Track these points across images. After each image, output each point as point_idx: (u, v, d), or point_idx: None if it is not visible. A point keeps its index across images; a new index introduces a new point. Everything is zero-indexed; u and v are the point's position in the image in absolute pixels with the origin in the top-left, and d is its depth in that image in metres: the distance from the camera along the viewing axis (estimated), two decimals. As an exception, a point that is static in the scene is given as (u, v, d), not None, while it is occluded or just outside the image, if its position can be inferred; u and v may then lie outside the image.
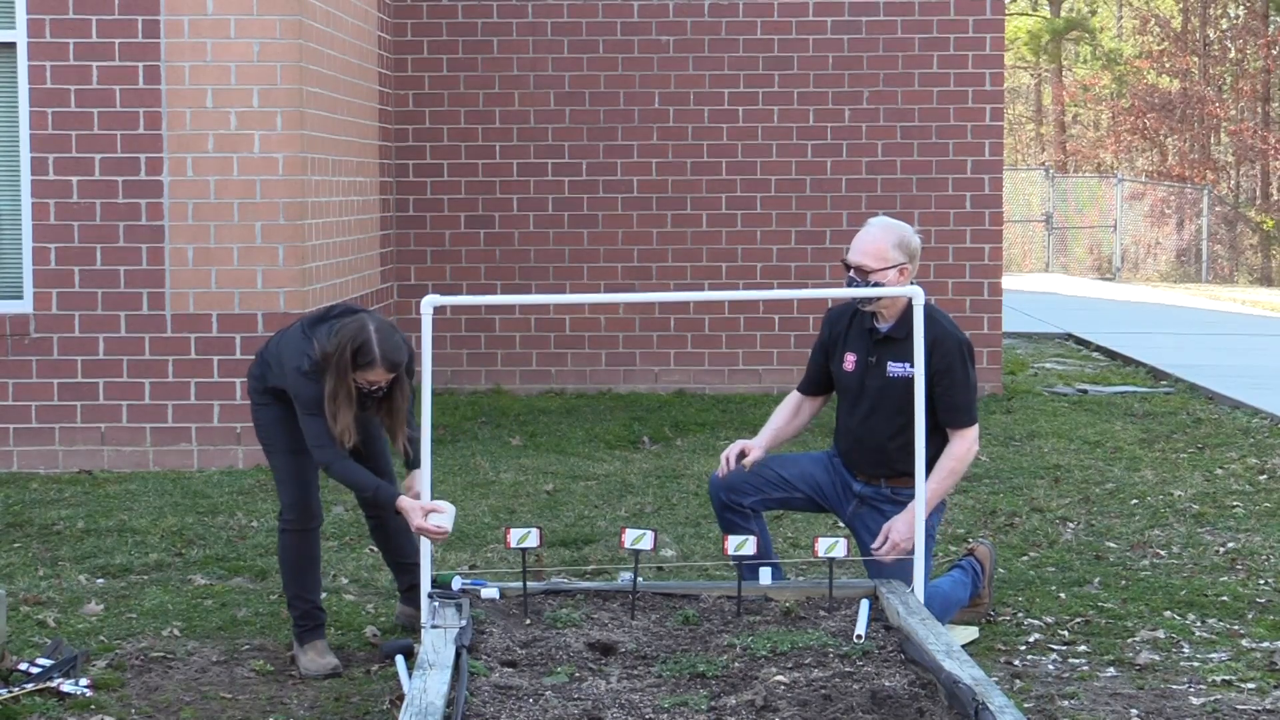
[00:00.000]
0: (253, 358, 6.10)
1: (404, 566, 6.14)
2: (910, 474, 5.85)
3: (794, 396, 6.39)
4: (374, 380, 5.57)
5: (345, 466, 5.67)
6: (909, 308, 5.94)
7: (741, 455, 6.17)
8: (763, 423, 6.40)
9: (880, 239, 6.07)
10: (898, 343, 6.04)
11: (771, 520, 7.86)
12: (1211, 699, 5.45)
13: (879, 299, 6.05)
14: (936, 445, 5.98)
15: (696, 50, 12.64)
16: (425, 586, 5.50)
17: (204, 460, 9.52)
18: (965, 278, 12.64)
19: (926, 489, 5.81)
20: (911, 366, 5.88)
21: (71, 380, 9.50)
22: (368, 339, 5.52)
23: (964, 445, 6.00)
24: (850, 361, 6.15)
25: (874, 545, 5.92)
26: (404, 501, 5.63)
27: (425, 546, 5.57)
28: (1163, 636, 6.16)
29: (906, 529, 5.84)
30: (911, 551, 5.77)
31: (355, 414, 5.63)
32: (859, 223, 13.40)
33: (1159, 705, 5.40)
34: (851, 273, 6.06)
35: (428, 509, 5.54)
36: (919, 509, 5.76)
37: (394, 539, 6.16)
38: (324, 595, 6.68)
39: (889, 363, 6.05)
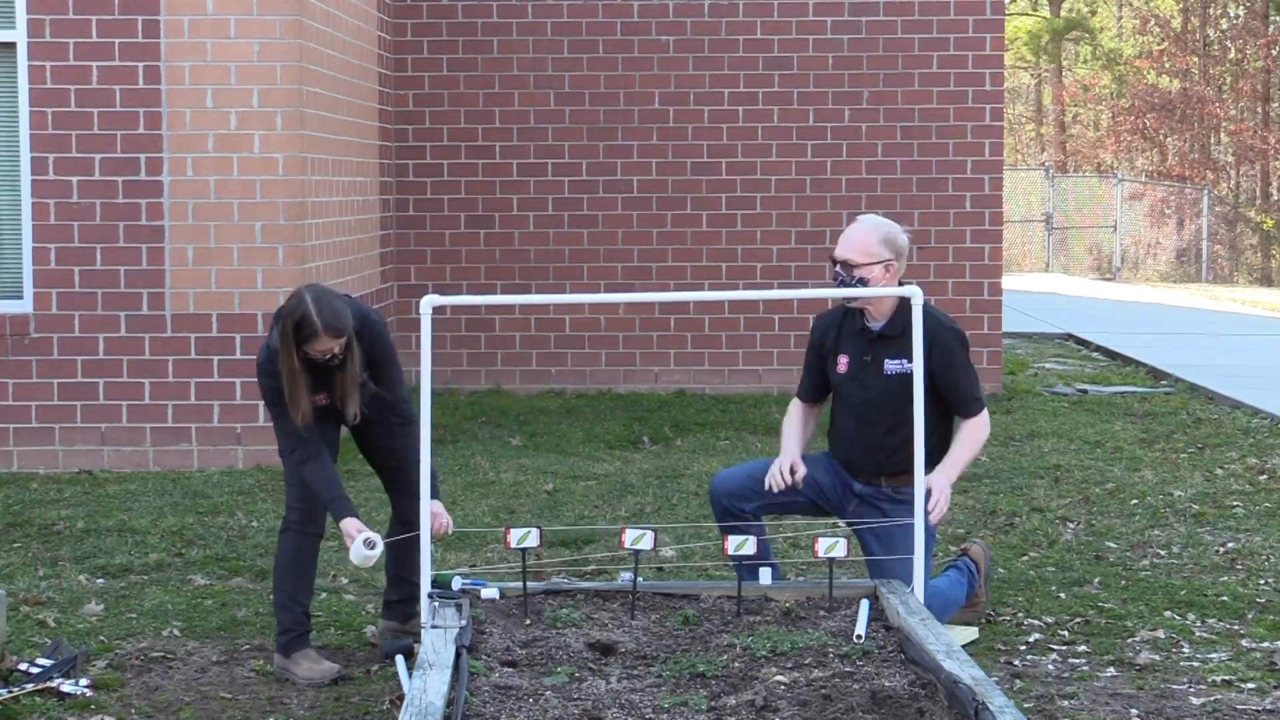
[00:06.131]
0: (256, 357, 6.09)
1: (403, 580, 6.07)
2: (908, 471, 5.86)
3: (798, 405, 6.36)
4: (323, 350, 5.57)
5: (317, 469, 5.66)
6: (900, 304, 5.98)
7: (792, 472, 6.12)
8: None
9: (867, 234, 6.09)
10: (892, 340, 6.06)
11: (771, 520, 7.85)
12: (1211, 699, 5.45)
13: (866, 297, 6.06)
14: (934, 442, 6.01)
15: (696, 50, 12.64)
16: (425, 586, 5.49)
17: (204, 460, 9.52)
18: (965, 278, 12.64)
19: (955, 455, 6.01)
20: (909, 363, 5.92)
21: (71, 380, 9.50)
22: (306, 311, 5.55)
23: (978, 422, 6.14)
24: (844, 363, 6.16)
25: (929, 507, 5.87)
26: (346, 523, 5.62)
27: (425, 546, 5.56)
28: (1163, 636, 6.16)
29: (945, 482, 5.89)
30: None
31: (328, 396, 5.69)
32: (859, 223, 13.40)
33: (1159, 705, 5.40)
34: (837, 267, 6.08)
35: (362, 533, 5.57)
36: (949, 472, 5.93)
37: (412, 552, 5.96)
38: (324, 595, 6.69)
39: (886, 360, 6.06)
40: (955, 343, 6.07)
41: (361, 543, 5.54)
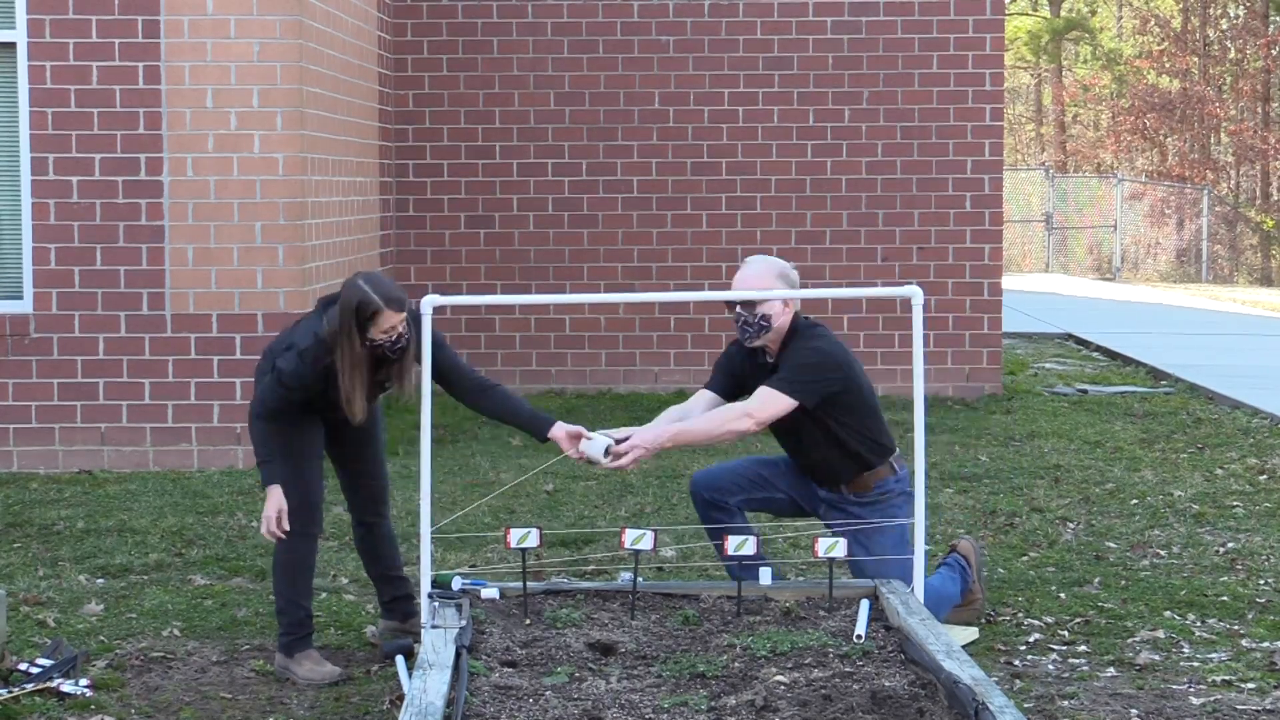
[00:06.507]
0: (256, 357, 6.09)
1: (389, 578, 6.09)
2: (858, 475, 6.11)
3: (708, 395, 6.28)
4: (391, 327, 5.52)
5: (270, 429, 5.66)
6: (790, 337, 6.13)
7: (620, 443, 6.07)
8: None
9: (763, 272, 6.16)
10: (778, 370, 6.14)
11: (771, 519, 7.85)
12: (1211, 699, 5.45)
13: (769, 335, 6.08)
14: (848, 463, 6.13)
15: (696, 50, 12.64)
16: (425, 587, 5.50)
17: (204, 460, 9.52)
18: (965, 278, 12.63)
19: (686, 426, 6.00)
20: None
21: (71, 380, 9.50)
22: (365, 294, 5.50)
23: (742, 410, 6.01)
24: None
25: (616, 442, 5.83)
26: (273, 492, 5.64)
27: (425, 547, 5.56)
28: (1163, 636, 6.16)
29: (648, 437, 5.86)
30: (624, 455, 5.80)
31: (368, 388, 5.66)
32: (859, 223, 13.50)
33: (1159, 705, 5.40)
34: (739, 308, 6.10)
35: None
36: (662, 433, 5.92)
37: (382, 549, 6.10)
38: (324, 595, 6.69)
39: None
40: (805, 352, 6.07)
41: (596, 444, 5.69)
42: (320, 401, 5.70)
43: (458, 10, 12.66)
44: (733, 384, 6.32)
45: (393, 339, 5.54)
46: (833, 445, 6.09)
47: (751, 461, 6.36)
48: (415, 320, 5.66)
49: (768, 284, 6.10)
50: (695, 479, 6.30)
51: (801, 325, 6.19)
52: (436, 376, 5.74)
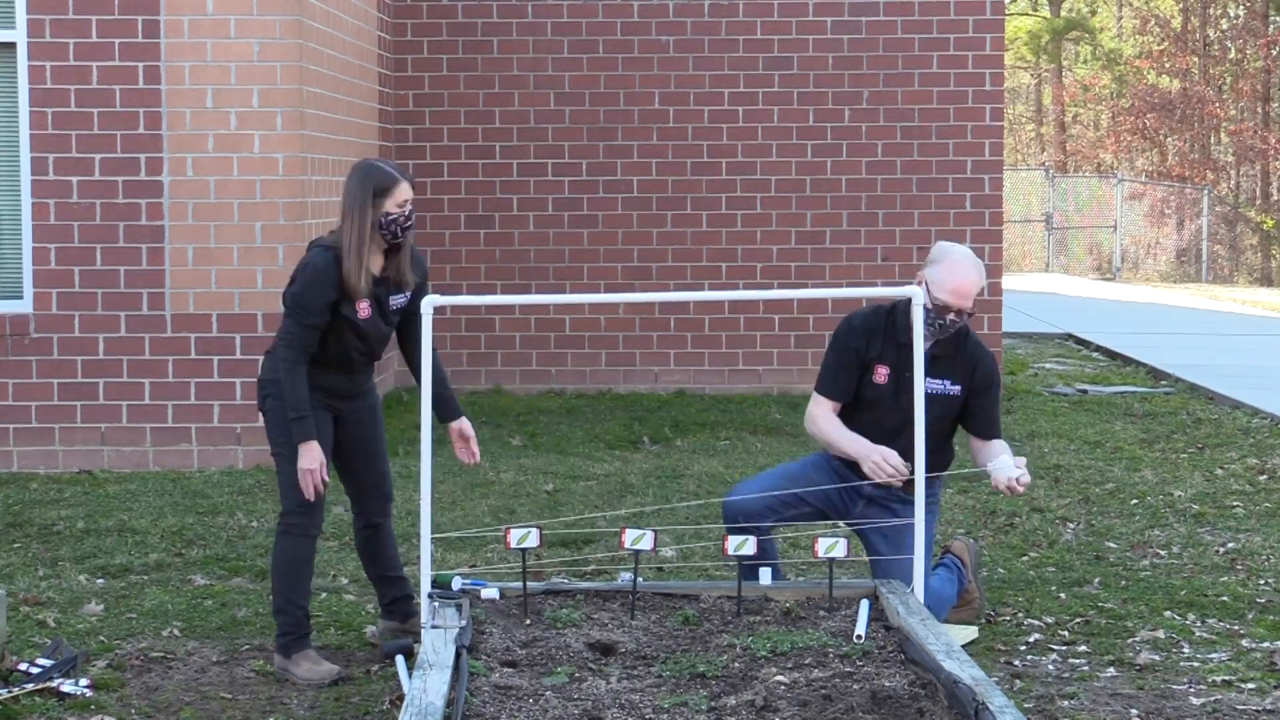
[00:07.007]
0: (257, 357, 6.09)
1: (389, 579, 6.09)
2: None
3: (834, 406, 6.20)
4: (405, 200, 5.91)
5: (299, 376, 5.69)
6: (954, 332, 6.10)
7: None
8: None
9: (978, 278, 6.07)
10: (939, 360, 6.05)
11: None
12: (1211, 699, 5.46)
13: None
14: (941, 456, 6.11)
15: (696, 50, 12.64)
16: (425, 586, 5.50)
17: (204, 460, 9.52)
18: (965, 278, 12.62)
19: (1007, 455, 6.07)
20: (950, 384, 6.07)
21: (71, 380, 9.50)
22: (381, 169, 5.91)
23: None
24: (883, 375, 6.09)
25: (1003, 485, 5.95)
26: (311, 447, 5.67)
27: (425, 547, 5.56)
28: (1163, 636, 6.16)
29: (1020, 470, 5.97)
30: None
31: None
32: (859, 223, 13.47)
33: (1159, 705, 5.40)
34: (951, 315, 5.99)
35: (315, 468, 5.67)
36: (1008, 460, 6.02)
37: (383, 550, 6.09)
38: (324, 595, 6.69)
39: (927, 379, 5.90)
40: (996, 371, 6.21)
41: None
42: (333, 347, 5.77)
43: (458, 10, 12.66)
44: (858, 374, 6.15)
45: (406, 213, 5.89)
46: (932, 447, 5.94)
47: (782, 478, 6.24)
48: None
49: (979, 287, 6.08)
50: (731, 503, 6.19)
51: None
52: (401, 321, 6.02)
